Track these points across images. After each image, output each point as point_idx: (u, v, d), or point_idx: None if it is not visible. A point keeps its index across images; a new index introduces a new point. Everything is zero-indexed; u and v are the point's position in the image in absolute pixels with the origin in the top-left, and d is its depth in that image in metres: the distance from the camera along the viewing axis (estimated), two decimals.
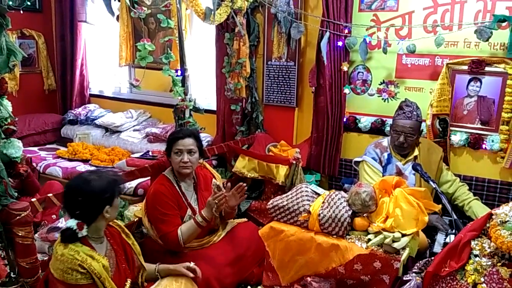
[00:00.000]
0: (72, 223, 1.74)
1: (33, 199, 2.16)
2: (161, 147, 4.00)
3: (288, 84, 3.75)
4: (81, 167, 3.88)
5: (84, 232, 1.76)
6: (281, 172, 3.23)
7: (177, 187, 2.58)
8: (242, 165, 3.45)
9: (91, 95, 5.14)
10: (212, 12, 3.14)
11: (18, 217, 2.00)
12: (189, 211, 2.55)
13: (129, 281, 1.94)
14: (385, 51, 3.20)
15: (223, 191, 2.45)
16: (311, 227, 2.26)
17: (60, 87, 5.07)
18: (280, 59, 3.73)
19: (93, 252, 1.77)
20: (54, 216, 2.97)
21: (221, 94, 3.87)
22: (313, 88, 3.51)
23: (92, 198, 1.77)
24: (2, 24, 1.93)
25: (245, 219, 2.96)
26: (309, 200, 2.34)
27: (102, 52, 5.04)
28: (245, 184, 2.55)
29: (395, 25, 3.22)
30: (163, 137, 4.10)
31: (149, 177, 2.83)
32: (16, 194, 2.12)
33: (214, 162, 3.87)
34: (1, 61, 1.90)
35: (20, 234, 2.03)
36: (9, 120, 2.00)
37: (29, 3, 3.98)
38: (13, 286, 1.99)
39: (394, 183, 2.29)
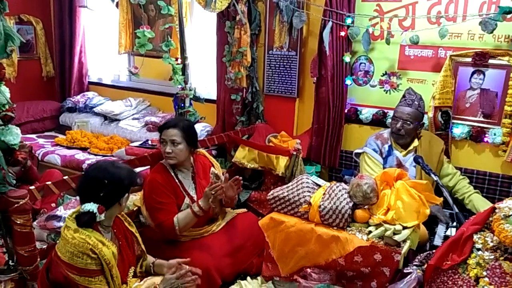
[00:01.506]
0: (92, 206, 1.74)
1: (32, 187, 2.14)
2: None
3: (289, 74, 3.71)
4: (80, 155, 3.86)
5: (102, 216, 1.76)
6: (281, 163, 3.21)
7: (174, 176, 2.56)
8: (242, 155, 3.43)
9: (90, 83, 5.09)
10: (213, 0, 3.09)
11: (16, 205, 1.98)
12: (186, 200, 2.53)
13: (132, 269, 1.94)
14: (388, 42, 3.17)
15: (220, 182, 2.43)
16: (312, 218, 2.25)
17: (59, 74, 5.02)
18: (281, 49, 3.69)
19: (103, 238, 1.77)
20: (53, 205, 2.95)
21: (221, 84, 3.83)
22: (315, 78, 3.48)
23: (117, 182, 1.82)
24: (0, 8, 1.88)
25: (245, 210, 2.95)
26: (309, 192, 2.33)
27: (101, 39, 4.98)
28: (241, 178, 2.55)
29: (398, 16, 3.18)
30: None
31: (148, 166, 2.80)
32: (14, 181, 2.10)
33: (214, 152, 3.85)
34: None
35: (18, 222, 2.01)
36: (7, 107, 1.97)
37: None
38: (12, 274, 1.97)
39: (396, 175, 2.27)
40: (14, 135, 2.05)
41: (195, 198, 2.55)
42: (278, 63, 3.73)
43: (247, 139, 3.61)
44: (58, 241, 1.82)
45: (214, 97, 4.01)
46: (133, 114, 4.50)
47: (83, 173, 1.95)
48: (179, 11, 2.89)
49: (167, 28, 2.81)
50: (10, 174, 2.07)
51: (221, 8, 3.25)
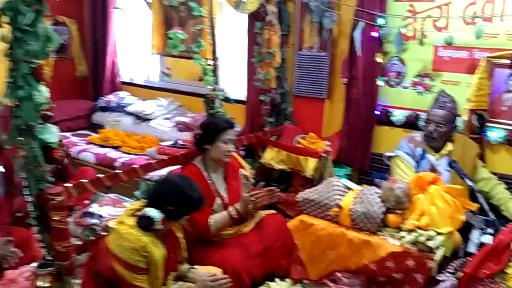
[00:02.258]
0: (156, 214, 1.81)
1: (68, 184, 2.20)
2: (191, 136, 4.02)
3: (319, 74, 3.68)
4: (113, 154, 3.95)
5: (161, 226, 1.83)
6: (310, 164, 3.20)
7: (206, 176, 2.59)
8: (270, 156, 3.44)
9: (122, 83, 5.20)
10: (244, 1, 3.10)
11: (53, 202, 2.05)
12: (218, 200, 2.55)
13: (172, 274, 1.98)
14: (421, 43, 3.11)
15: (250, 184, 2.45)
16: (342, 222, 2.24)
17: (92, 74, 5.15)
18: (311, 49, 3.67)
19: (155, 240, 1.83)
20: (86, 201, 3.03)
21: (250, 84, 3.84)
22: (345, 79, 3.45)
23: (187, 204, 1.91)
24: (40, 10, 1.94)
25: (274, 211, 2.95)
26: (340, 195, 2.31)
27: (133, 40, 5.08)
28: (278, 190, 2.57)
29: (432, 16, 3.11)
30: (193, 126, 4.12)
31: (180, 166, 2.84)
32: (52, 179, 2.16)
33: (242, 153, 3.86)
34: (39, 47, 1.92)
35: (55, 218, 2.07)
36: (46, 106, 2.03)
37: None
38: (49, 269, 2.04)
39: (430, 180, 2.23)
40: (52, 134, 2.12)
41: (226, 199, 2.57)
42: (308, 63, 3.71)
43: (275, 140, 3.61)
44: (109, 234, 1.91)
45: (243, 98, 4.02)
46: (164, 114, 4.57)
47: (161, 180, 2.04)
48: (211, 12, 2.91)
49: (198, 30, 2.84)
50: (47, 171, 2.14)
51: (251, 9, 3.26)
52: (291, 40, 3.78)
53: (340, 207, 2.24)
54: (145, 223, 1.81)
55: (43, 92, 2.03)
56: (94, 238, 2.52)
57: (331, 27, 3.45)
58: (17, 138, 1.97)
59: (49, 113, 2.05)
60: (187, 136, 4.08)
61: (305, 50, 3.69)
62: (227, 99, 3.15)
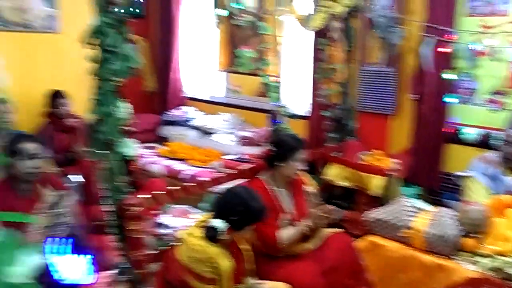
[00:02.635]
0: (220, 225, 1.88)
1: (145, 196, 2.31)
2: (254, 150, 4.08)
3: (384, 90, 3.62)
4: (179, 166, 4.09)
5: (227, 236, 1.90)
6: (376, 182, 3.13)
7: (272, 191, 2.61)
8: (333, 173, 3.40)
9: (187, 98, 5.40)
10: (311, 18, 3.14)
11: (131, 212, 2.16)
12: (284, 215, 2.56)
13: (239, 286, 2.01)
14: (494, 59, 2.97)
15: (326, 207, 2.45)
16: (414, 244, 2.16)
17: (159, 89, 5.39)
18: (376, 65, 3.62)
19: (222, 251, 1.88)
20: (155, 212, 3.15)
21: (313, 100, 3.85)
22: (415, 95, 3.36)
23: (250, 215, 1.96)
24: (123, 32, 2.09)
25: (339, 229, 2.90)
26: (411, 216, 2.24)
27: (198, 57, 5.28)
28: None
29: (505, 31, 2.97)
30: (256, 140, 4.19)
31: (246, 179, 2.88)
32: (130, 190, 2.29)
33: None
34: (121, 66, 2.06)
35: (132, 228, 2.18)
36: (127, 122, 2.17)
37: (137, 10, 4.27)
38: (126, 276, 2.14)
39: (509, 203, 2.11)
40: (130, 147, 2.25)
41: (293, 215, 2.57)
42: (372, 79, 3.66)
43: (338, 156, 3.57)
44: (179, 245, 1.98)
45: (305, 113, 4.04)
46: (227, 129, 4.68)
47: (225, 191, 2.10)
48: (276, 31, 2.97)
49: (264, 48, 2.90)
50: (125, 183, 2.26)
51: (318, 26, 3.28)
52: (355, 56, 3.75)
53: (412, 228, 2.17)
54: (210, 234, 1.87)
55: (125, 108, 2.16)
56: (165, 248, 2.62)
57: (397, 42, 3.39)
58: (99, 151, 2.11)
59: (130, 128, 2.19)
60: (249, 150, 4.15)
61: (370, 65, 3.65)
62: (291, 115, 3.18)
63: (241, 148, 4.32)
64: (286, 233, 2.45)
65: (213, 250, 1.85)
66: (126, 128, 2.21)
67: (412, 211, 2.29)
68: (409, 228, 2.20)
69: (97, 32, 1.99)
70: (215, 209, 2.00)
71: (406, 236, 2.20)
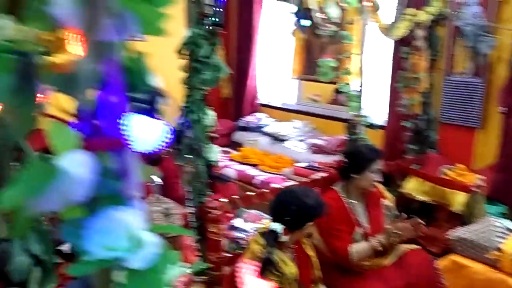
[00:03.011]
0: (277, 227, 1.89)
1: (224, 200, 2.39)
2: (325, 158, 4.05)
3: (470, 102, 3.42)
4: (251, 171, 4.17)
5: (285, 238, 1.89)
6: (459, 199, 2.96)
7: (347, 204, 2.57)
8: (412, 186, 3.27)
9: (260, 105, 5.49)
10: (394, 27, 3.06)
11: (211, 215, 2.24)
12: (358, 229, 2.51)
13: None
14: None
15: (391, 215, 2.37)
16: (503, 267, 2.02)
17: (235, 96, 5.54)
18: (463, 75, 3.43)
19: (285, 257, 1.90)
20: (229, 215, 3.24)
21: (392, 109, 3.74)
22: (503, 108, 3.14)
23: (303, 210, 1.93)
24: (215, 43, 2.18)
25: (417, 246, 2.78)
26: (501, 237, 2.10)
27: (272, 64, 5.36)
28: (424, 223, 2.44)
29: None
30: (327, 149, 4.15)
31: (320, 189, 2.87)
32: (211, 193, 2.37)
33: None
34: (211, 76, 2.15)
35: (212, 230, 2.26)
36: (213, 129, 2.26)
37: (217, 19, 4.41)
38: (203, 277, 2.22)
39: None
40: (214, 153, 2.34)
41: (367, 229, 2.52)
42: (458, 89, 3.48)
43: (418, 169, 3.43)
44: (244, 251, 2.01)
45: (381, 122, 3.93)
46: (298, 136, 4.70)
47: (278, 193, 2.11)
48: (360, 39, 2.94)
49: (346, 56, 2.88)
50: (207, 186, 2.36)
51: (401, 35, 3.19)
52: (440, 65, 3.59)
53: (501, 251, 2.03)
54: (270, 237, 1.87)
55: (211, 116, 2.26)
56: (239, 251, 2.68)
57: (487, 52, 3.20)
58: (187, 155, 2.22)
59: (214, 134, 2.28)
60: (321, 158, 4.13)
61: (456, 75, 3.47)
62: (370, 125, 3.12)
63: (312, 156, 4.31)
64: (358, 248, 2.39)
65: (275, 257, 1.84)
66: (211, 134, 2.31)
67: (502, 232, 2.14)
68: (498, 250, 2.06)
69: (190, 43, 2.10)
70: (271, 212, 2.00)
71: (494, 258, 2.07)
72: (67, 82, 0.48)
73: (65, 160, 0.45)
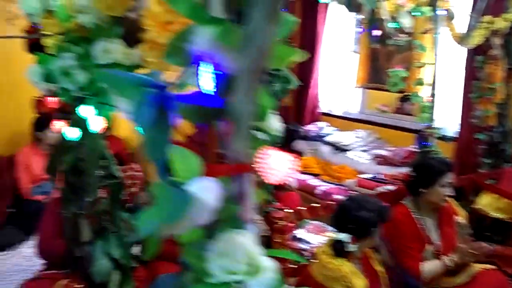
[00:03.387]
0: (344, 236, 1.88)
1: (290, 210, 2.40)
2: (390, 170, 3.93)
3: None
4: (313, 181, 4.14)
5: (353, 247, 1.87)
6: None
7: (417, 220, 2.47)
8: (486, 202, 3.08)
9: (322, 113, 5.44)
10: (469, 36, 2.93)
11: (277, 225, 2.26)
12: (430, 247, 2.41)
13: None
14: None
15: (478, 244, 2.25)
16: None
17: (295, 104, 5.53)
18: None
19: (355, 270, 1.87)
20: (291, 224, 3.23)
21: (464, 121, 3.57)
22: None
23: (366, 214, 1.91)
24: None
25: (492, 266, 2.62)
26: None
27: (335, 72, 5.30)
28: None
29: None
30: (393, 160, 4.03)
31: (388, 204, 2.79)
32: (275, 202, 2.39)
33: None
34: (282, 88, 2.18)
35: (277, 240, 2.28)
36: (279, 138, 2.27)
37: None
38: None
39: None
40: None
41: (439, 246, 2.41)
42: None
43: (493, 184, 3.23)
44: (314, 262, 2.01)
45: (453, 134, 3.75)
46: (361, 146, 4.59)
47: (339, 204, 2.11)
48: (434, 48, 2.84)
49: (419, 66, 2.79)
50: (272, 196, 2.38)
51: (476, 43, 3.05)
52: None
53: None
54: (338, 248, 1.86)
55: (276, 123, 2.27)
56: (303, 263, 2.67)
57: None
58: None
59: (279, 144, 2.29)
60: (386, 170, 4.01)
61: None
62: (442, 137, 3.00)
63: (376, 167, 4.19)
64: (430, 267, 2.31)
65: (346, 269, 1.82)
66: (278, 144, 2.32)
67: None
68: None
69: None
70: (334, 223, 2.00)
71: None
72: (197, 113, 0.51)
73: (195, 186, 0.48)
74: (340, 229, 1.92)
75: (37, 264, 2.98)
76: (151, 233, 0.44)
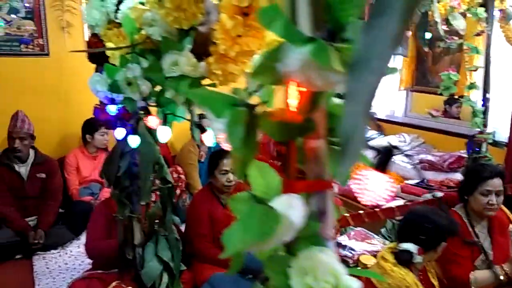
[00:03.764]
0: (411, 246, 1.86)
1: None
2: (437, 176, 3.80)
3: None
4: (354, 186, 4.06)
5: (419, 258, 1.85)
6: None
7: (468, 228, 2.38)
8: None
9: None
10: None
11: None
12: (481, 256, 2.32)
13: None
14: None
15: None
16: None
17: None
18: None
19: (417, 281, 1.84)
20: (337, 231, 3.19)
21: None
22: None
23: (436, 229, 1.90)
24: None
25: None
26: None
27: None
28: None
29: None
30: (440, 166, 3.89)
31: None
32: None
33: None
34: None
35: None
36: None
37: None
38: None
39: None
40: None
41: (490, 256, 2.31)
42: None
43: None
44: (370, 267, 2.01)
45: (505, 140, 3.57)
46: (406, 151, 4.47)
47: (407, 214, 2.10)
48: (487, 51, 2.72)
49: (472, 70, 2.69)
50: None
51: None
52: None
53: None
54: (404, 257, 1.84)
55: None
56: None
57: None
58: None
59: None
60: (432, 176, 3.88)
61: None
62: (494, 143, 2.87)
63: (421, 172, 4.06)
64: (480, 276, 2.23)
65: (409, 279, 1.80)
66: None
67: None
68: None
69: None
70: (401, 233, 1.97)
71: None
72: (281, 130, 0.51)
73: (281, 203, 0.48)
74: (408, 240, 1.90)
75: (84, 263, 3.09)
76: (238, 250, 0.44)
